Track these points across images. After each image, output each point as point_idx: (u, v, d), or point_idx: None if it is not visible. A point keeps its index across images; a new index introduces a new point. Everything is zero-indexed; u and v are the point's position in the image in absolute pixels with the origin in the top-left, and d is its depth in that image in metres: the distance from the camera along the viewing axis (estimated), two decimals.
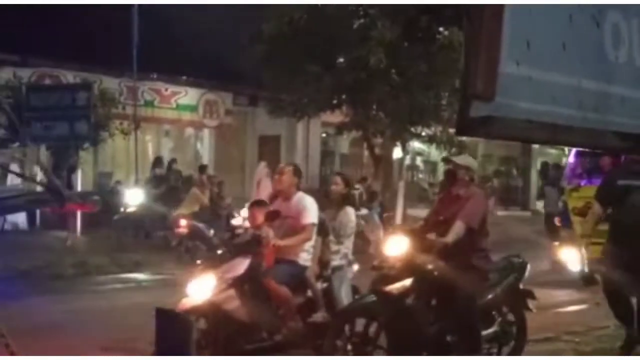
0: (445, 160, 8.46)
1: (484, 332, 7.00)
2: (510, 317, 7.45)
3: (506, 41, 2.46)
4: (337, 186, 7.89)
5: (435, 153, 23.43)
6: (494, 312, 7.32)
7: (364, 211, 21.21)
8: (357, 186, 23.74)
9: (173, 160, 21.32)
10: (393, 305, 6.61)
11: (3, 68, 19.18)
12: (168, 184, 17.90)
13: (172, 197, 17.20)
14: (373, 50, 17.42)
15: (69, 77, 20.21)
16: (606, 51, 2.81)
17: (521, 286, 7.51)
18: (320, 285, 7.47)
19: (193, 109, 23.86)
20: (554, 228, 15.21)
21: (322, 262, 7.57)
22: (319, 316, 7.30)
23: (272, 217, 7.15)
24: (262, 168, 20.95)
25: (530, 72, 2.54)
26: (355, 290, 7.72)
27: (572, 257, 12.11)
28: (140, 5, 18.04)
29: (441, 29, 18.37)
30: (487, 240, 6.98)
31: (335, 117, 21.48)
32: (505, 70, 2.46)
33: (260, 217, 7.23)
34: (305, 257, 7.34)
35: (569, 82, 2.68)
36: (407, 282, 6.64)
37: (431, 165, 30.81)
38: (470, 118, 2.41)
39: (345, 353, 6.82)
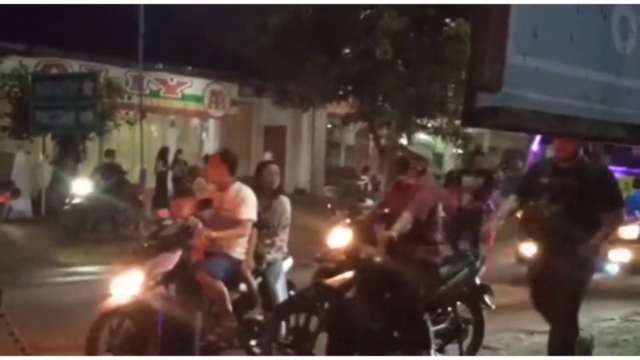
0: (401, 148, 8.06)
1: (434, 328, 6.64)
2: (466, 313, 7.08)
3: (513, 32, 2.45)
4: (271, 175, 7.39)
5: (441, 145, 23.39)
6: (448, 308, 6.98)
7: (369, 202, 21.24)
8: (363, 177, 23.78)
9: (179, 151, 21.33)
10: (332, 299, 6.31)
11: (9, 57, 19.19)
12: (118, 174, 16.94)
13: (122, 189, 16.39)
14: (379, 41, 17.39)
15: (75, 66, 20.25)
16: (613, 43, 2.80)
17: (478, 281, 7.15)
18: (255, 281, 6.90)
19: (199, 99, 23.89)
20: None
21: (257, 256, 7.00)
22: (256, 313, 6.81)
23: (203, 205, 6.59)
24: (268, 159, 21.06)
25: (537, 63, 2.54)
26: (290, 285, 7.29)
27: (533, 253, 11.62)
28: None
29: (448, 20, 18.33)
30: (437, 232, 6.67)
31: (341, 108, 21.47)
32: (511, 61, 2.45)
33: (186, 208, 6.72)
34: (239, 250, 6.77)
35: (576, 74, 2.67)
36: (348, 274, 6.38)
37: (437, 157, 30.79)
38: (476, 109, 2.41)
39: (281, 351, 6.49)
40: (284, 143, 26.22)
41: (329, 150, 28.20)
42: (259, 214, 6.86)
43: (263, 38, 18.81)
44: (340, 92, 19.98)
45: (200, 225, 6.36)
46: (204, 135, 26.30)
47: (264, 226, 7.05)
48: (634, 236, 11.08)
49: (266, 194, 7.23)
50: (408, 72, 18.50)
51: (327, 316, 6.30)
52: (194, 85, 23.68)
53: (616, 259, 10.91)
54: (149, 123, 21.82)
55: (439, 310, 6.93)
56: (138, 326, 6.15)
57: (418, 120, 20.20)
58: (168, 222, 6.72)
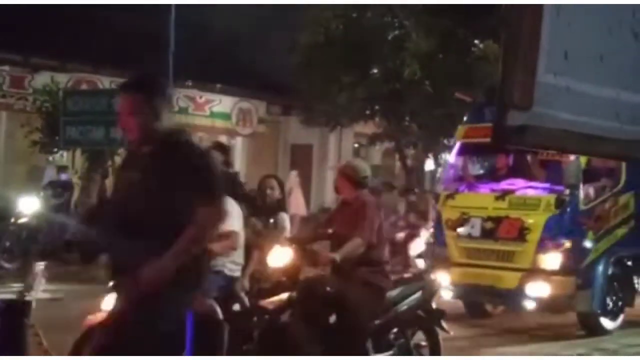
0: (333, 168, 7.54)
1: (380, 355, 6.25)
2: (420, 338, 6.70)
3: (544, 51, 2.47)
4: (273, 190, 7.04)
5: None
6: (396, 333, 6.52)
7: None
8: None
9: None
10: (266, 321, 5.99)
11: (41, 72, 19.48)
12: (72, 192, 15.87)
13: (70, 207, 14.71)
14: (407, 61, 17.44)
15: (106, 82, 20.46)
16: None
17: (434, 305, 6.75)
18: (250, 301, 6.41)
19: (227, 117, 24.03)
20: None
21: (254, 276, 6.59)
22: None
23: None
24: (293, 177, 21.09)
25: (567, 82, 2.55)
26: None
27: (444, 282, 9.41)
28: (177, 13, 18.23)
29: (477, 41, 18.34)
30: (383, 252, 6.34)
31: (368, 127, 21.52)
32: (542, 80, 2.47)
33: None
34: (232, 268, 6.33)
35: (606, 94, 2.68)
36: (284, 296, 6.02)
37: None
38: (506, 127, 2.43)
39: None
40: (310, 162, 26.28)
41: None
42: (260, 232, 6.54)
43: (292, 56, 18.94)
44: (368, 112, 20.04)
45: None
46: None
47: (263, 244, 6.65)
48: (555, 266, 9.11)
49: (265, 210, 6.94)
50: (435, 92, 18.51)
51: (261, 339, 5.98)
52: (223, 103, 23.83)
53: (533, 293, 9.06)
54: None
55: (390, 336, 6.49)
56: None
57: (445, 141, 20.18)
58: None
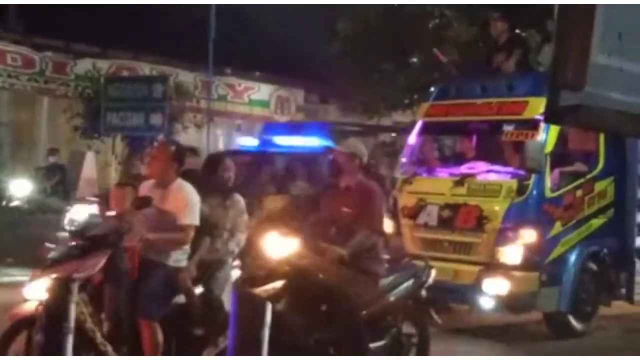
0: (328, 150, 6.86)
1: (373, 345, 6.00)
2: (409, 327, 6.42)
3: (598, 32, 2.46)
4: (228, 171, 6.47)
5: None
6: (388, 322, 6.28)
7: None
8: None
9: None
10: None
11: (83, 59, 19.73)
12: (63, 174, 15.63)
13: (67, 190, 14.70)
14: (448, 50, 17.31)
15: (146, 69, 20.66)
16: None
17: (424, 293, 6.48)
18: (197, 289, 6.03)
19: (265, 104, 24.15)
20: None
21: (203, 263, 6.12)
22: (196, 328, 5.98)
23: (140, 204, 5.70)
24: None
25: (621, 63, 2.53)
26: None
27: None
28: (217, 1, 18.32)
29: (518, 31, 18.14)
30: (379, 239, 6.07)
31: (406, 116, 21.42)
32: (596, 61, 2.46)
33: (128, 200, 5.94)
34: (177, 258, 5.92)
35: None
36: (278, 284, 5.69)
37: None
38: (559, 106, 2.41)
39: None
40: None
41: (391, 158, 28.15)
42: (208, 215, 6.10)
43: (332, 45, 18.91)
44: (406, 101, 19.94)
45: (137, 225, 5.58)
46: None
47: (213, 227, 6.22)
48: (516, 261, 8.14)
49: (218, 192, 6.41)
50: None
51: None
52: (261, 91, 23.96)
53: (490, 290, 8.13)
54: (216, 126, 22.12)
55: (380, 325, 6.25)
56: (50, 338, 5.25)
57: None
58: (98, 219, 5.89)
